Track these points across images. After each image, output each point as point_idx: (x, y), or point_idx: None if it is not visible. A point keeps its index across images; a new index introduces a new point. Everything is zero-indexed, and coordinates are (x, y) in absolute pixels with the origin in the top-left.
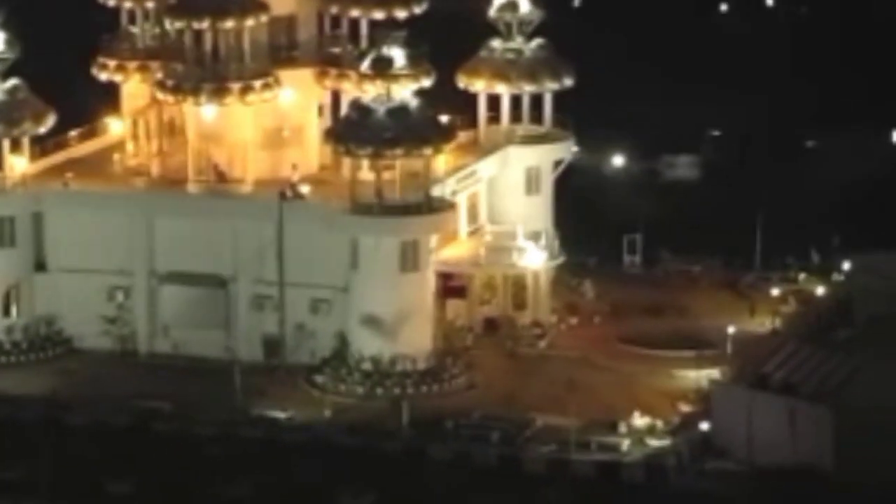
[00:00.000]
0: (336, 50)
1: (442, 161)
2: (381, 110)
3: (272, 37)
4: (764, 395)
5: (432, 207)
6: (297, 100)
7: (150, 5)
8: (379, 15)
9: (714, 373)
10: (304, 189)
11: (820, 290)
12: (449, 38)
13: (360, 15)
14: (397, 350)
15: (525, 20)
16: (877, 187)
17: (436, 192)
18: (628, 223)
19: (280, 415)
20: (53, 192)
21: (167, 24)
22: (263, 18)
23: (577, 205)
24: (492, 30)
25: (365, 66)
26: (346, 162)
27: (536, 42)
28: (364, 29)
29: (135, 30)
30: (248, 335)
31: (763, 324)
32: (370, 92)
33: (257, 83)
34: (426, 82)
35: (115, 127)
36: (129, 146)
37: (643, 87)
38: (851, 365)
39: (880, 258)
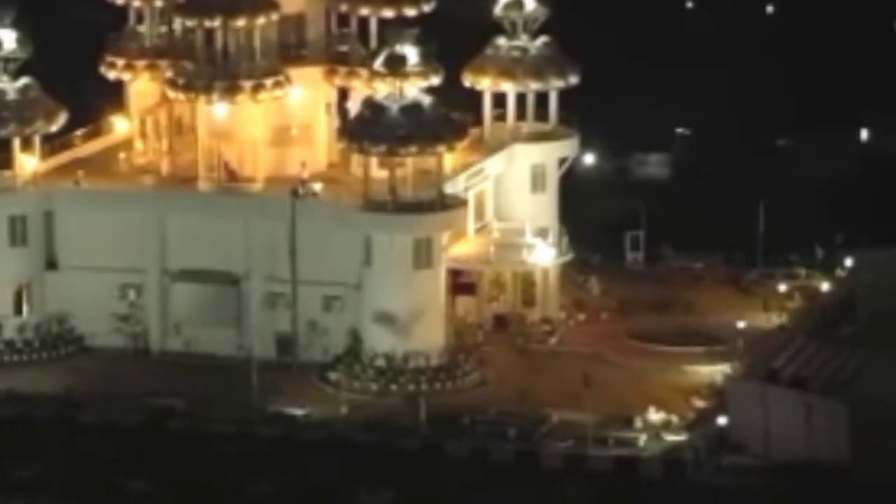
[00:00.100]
0: (344, 48)
1: (448, 159)
2: (394, 108)
3: (281, 35)
4: (779, 390)
5: (445, 204)
6: (306, 98)
7: (158, 4)
8: (388, 13)
9: (724, 368)
10: (317, 187)
11: (824, 287)
12: (453, 37)
13: (369, 13)
14: (410, 347)
15: (530, 18)
16: (851, 186)
17: (448, 189)
18: (629, 220)
19: (297, 412)
20: (64, 191)
21: (177, 23)
22: (274, 17)
23: (579, 202)
24: (496, 29)
25: (378, 63)
26: (355, 160)
27: (542, 40)
28: (373, 27)
29: (142, 28)
30: (261, 333)
31: (770, 320)
32: (380, 90)
33: (268, 81)
34: (435, 80)
35: (120, 126)
36: (139, 145)
37: (617, 84)
38: (858, 360)
39: (882, 255)
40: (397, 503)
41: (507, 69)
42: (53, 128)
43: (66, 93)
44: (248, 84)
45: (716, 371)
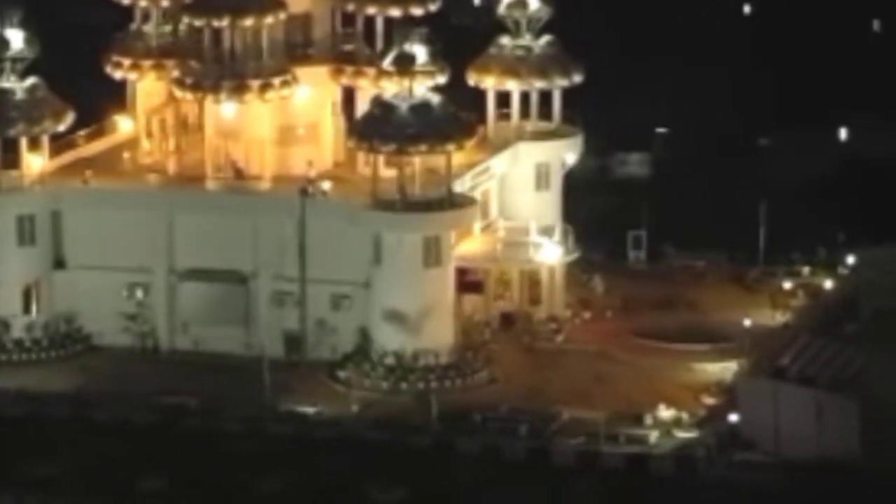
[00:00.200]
0: (349, 47)
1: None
2: (403, 107)
3: (288, 34)
4: (790, 387)
5: (454, 203)
6: (312, 97)
7: (164, 4)
8: (395, 12)
9: (732, 366)
10: (326, 185)
11: (827, 285)
12: (454, 37)
13: (376, 12)
14: (420, 345)
15: (534, 17)
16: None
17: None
18: (630, 219)
19: (309, 410)
20: (72, 190)
21: (185, 22)
22: (282, 16)
23: (580, 200)
24: (498, 31)
25: (387, 62)
26: (361, 158)
27: (545, 39)
28: (379, 26)
29: (146, 28)
30: (269, 331)
31: (774, 317)
32: (387, 89)
33: (276, 80)
34: (441, 79)
35: (124, 125)
36: (146, 144)
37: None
38: (863, 358)
39: (884, 253)
40: (410, 500)
41: (512, 68)
42: (61, 127)
43: (68, 92)
44: (255, 83)
45: (723, 368)
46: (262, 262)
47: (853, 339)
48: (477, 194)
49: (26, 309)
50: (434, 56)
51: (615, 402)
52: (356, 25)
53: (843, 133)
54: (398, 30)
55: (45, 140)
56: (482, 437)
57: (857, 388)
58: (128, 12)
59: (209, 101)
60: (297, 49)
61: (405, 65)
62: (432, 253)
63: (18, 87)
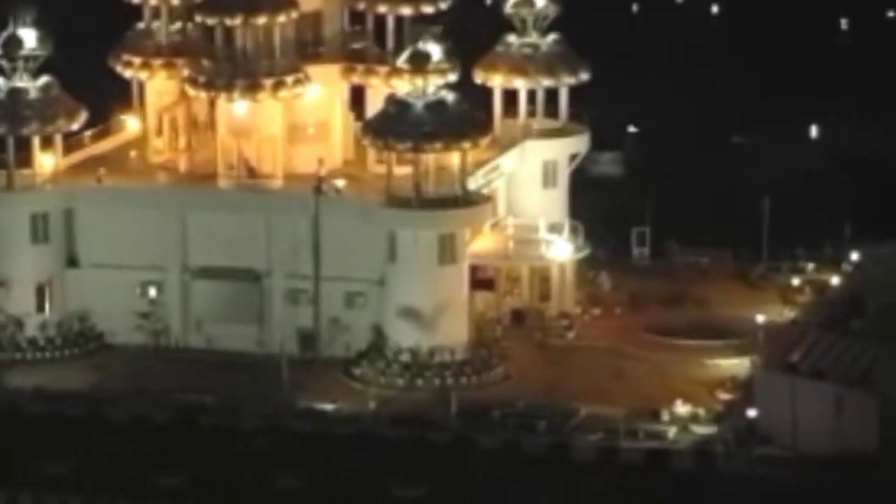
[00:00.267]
0: (359, 45)
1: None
2: (418, 105)
3: (298, 33)
4: (809, 382)
5: (469, 200)
6: (322, 95)
7: (175, 2)
8: (406, 11)
9: (744, 362)
10: (340, 183)
11: (834, 281)
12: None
13: (386, 11)
14: (435, 342)
15: (540, 16)
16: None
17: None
18: (634, 215)
19: (328, 407)
20: (85, 189)
21: (197, 21)
22: (294, 14)
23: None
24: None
25: (402, 60)
26: (371, 156)
27: (552, 37)
28: (390, 24)
29: (155, 26)
30: (283, 329)
31: (782, 313)
32: (398, 87)
33: (289, 79)
34: (452, 77)
35: (131, 124)
36: (158, 142)
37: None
38: (873, 354)
39: (889, 250)
40: (430, 497)
41: (519, 66)
42: (74, 126)
43: (70, 92)
44: (268, 82)
45: (736, 364)
46: (275, 260)
47: (860, 336)
48: (487, 192)
49: (40, 307)
50: (448, 54)
51: (631, 398)
52: (366, 24)
53: (814, 131)
54: (413, 28)
55: (58, 139)
56: (501, 433)
57: (869, 383)
58: (135, 11)
59: (222, 100)
60: (307, 47)
61: (420, 63)
62: (447, 250)
63: (32, 86)
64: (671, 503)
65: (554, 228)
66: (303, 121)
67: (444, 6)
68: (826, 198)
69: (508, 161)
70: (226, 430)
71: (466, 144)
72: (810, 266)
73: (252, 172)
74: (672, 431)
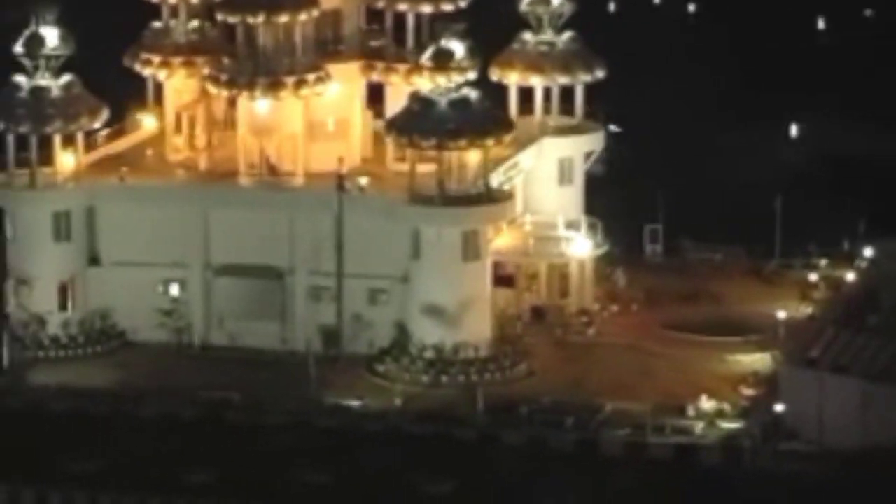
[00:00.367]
0: (378, 43)
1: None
2: (442, 102)
3: (318, 31)
4: (835, 377)
5: (492, 197)
6: (341, 93)
7: (194, 1)
8: (426, 8)
9: (765, 357)
10: (364, 181)
11: (849, 277)
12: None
13: (407, 9)
14: (459, 338)
15: (556, 13)
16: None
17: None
18: (647, 212)
19: (354, 403)
20: (107, 187)
21: (218, 19)
22: (315, 13)
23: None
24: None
25: (426, 58)
26: (390, 154)
27: (568, 35)
28: (410, 22)
29: (172, 24)
30: (306, 326)
31: (798, 309)
32: (418, 84)
33: (310, 77)
34: (472, 75)
35: (147, 122)
36: (177, 141)
37: None
38: (892, 349)
39: None
40: (458, 493)
41: (535, 63)
42: (96, 124)
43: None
44: (290, 80)
45: (756, 360)
46: (298, 258)
47: (877, 332)
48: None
49: (62, 306)
50: (471, 52)
51: (655, 393)
52: (384, 22)
53: (794, 130)
54: (437, 25)
55: (79, 137)
56: (528, 429)
57: (892, 379)
58: (146, 10)
59: (243, 98)
60: (327, 45)
61: (444, 60)
62: (471, 247)
63: (54, 84)
64: (700, 498)
65: (571, 225)
66: (322, 119)
67: (462, 4)
68: (820, 196)
69: (526, 158)
70: (252, 427)
71: (490, 141)
72: (823, 262)
73: (273, 170)
74: (699, 427)
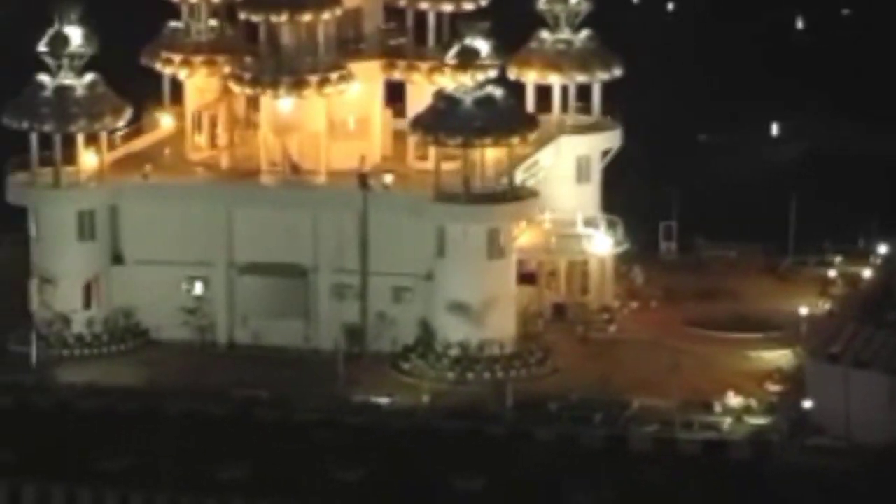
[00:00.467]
0: (398, 42)
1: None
2: (468, 100)
3: (339, 29)
4: (863, 373)
5: (517, 195)
6: (362, 92)
7: (215, 0)
8: (447, 7)
9: (787, 354)
10: (388, 178)
11: (866, 273)
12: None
13: (428, 7)
14: (484, 336)
15: (573, 12)
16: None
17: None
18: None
19: (382, 401)
20: (130, 185)
21: (240, 17)
22: (338, 12)
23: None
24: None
25: (451, 56)
26: (411, 152)
27: (585, 33)
28: (431, 21)
29: (197, 25)
30: (330, 324)
31: (817, 305)
32: (440, 83)
33: (333, 75)
34: (493, 73)
35: (165, 121)
36: (198, 139)
37: None
38: None
39: None
40: (490, 489)
41: (553, 62)
42: (120, 123)
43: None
44: (313, 78)
45: (779, 356)
46: (322, 256)
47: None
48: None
49: (87, 304)
50: (495, 50)
51: (681, 390)
52: (405, 20)
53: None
54: (461, 24)
55: (103, 136)
56: (558, 425)
57: None
58: (158, 9)
59: (267, 97)
60: (348, 44)
61: (470, 59)
62: (496, 244)
63: (78, 83)
64: (731, 493)
65: (589, 223)
66: (342, 118)
67: (483, 2)
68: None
69: (546, 156)
70: (281, 425)
71: (515, 139)
72: (837, 259)
73: (295, 169)
74: (727, 422)
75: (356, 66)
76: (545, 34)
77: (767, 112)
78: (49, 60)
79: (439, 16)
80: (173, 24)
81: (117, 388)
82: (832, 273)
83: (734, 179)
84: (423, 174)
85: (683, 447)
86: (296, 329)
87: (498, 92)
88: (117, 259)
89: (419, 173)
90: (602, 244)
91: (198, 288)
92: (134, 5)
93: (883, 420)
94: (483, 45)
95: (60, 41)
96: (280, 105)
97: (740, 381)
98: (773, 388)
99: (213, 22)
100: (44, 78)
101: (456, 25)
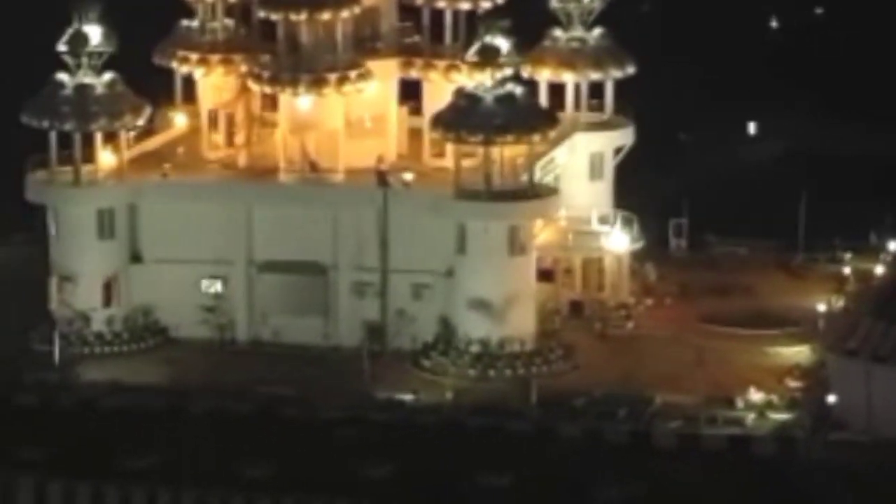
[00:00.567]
0: (413, 40)
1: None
2: (488, 98)
3: (356, 27)
4: (886, 368)
5: (538, 192)
6: (378, 90)
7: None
8: (465, 5)
9: (805, 349)
10: (409, 176)
11: (878, 269)
12: None
13: (445, 6)
14: (505, 332)
15: (586, 10)
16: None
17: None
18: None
19: (407, 397)
20: (149, 184)
21: (258, 16)
22: (356, 10)
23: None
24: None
25: (471, 54)
26: (427, 150)
27: (598, 31)
28: (448, 19)
29: (194, 23)
30: (349, 322)
31: (832, 301)
32: (458, 81)
33: (353, 73)
34: (509, 71)
35: (179, 120)
36: (214, 138)
37: None
38: None
39: None
40: (517, 484)
41: (567, 60)
42: (139, 122)
43: None
44: (333, 76)
45: (797, 352)
46: (341, 253)
47: None
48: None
49: (107, 302)
50: (516, 48)
51: (702, 386)
52: (420, 18)
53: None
54: (481, 22)
55: (123, 135)
56: (582, 421)
57: None
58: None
59: (286, 95)
60: (365, 42)
61: (490, 56)
62: (517, 242)
63: (98, 82)
64: (755, 489)
65: (603, 220)
66: (359, 116)
67: (500, 0)
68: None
69: (561, 154)
70: (307, 422)
71: (536, 137)
72: (847, 255)
73: (314, 167)
74: (750, 418)
75: (373, 64)
76: (558, 32)
77: (743, 111)
78: (68, 59)
79: (456, 14)
80: (185, 22)
81: (142, 385)
82: (846, 270)
83: (723, 177)
84: (441, 172)
85: (708, 443)
86: (315, 327)
87: (518, 89)
88: (136, 257)
89: (436, 171)
90: (619, 241)
91: (217, 286)
92: (137, 5)
93: None
94: (503, 43)
95: (80, 40)
96: (299, 103)
97: (760, 377)
98: (794, 383)
99: (228, 21)
100: (63, 76)
101: (475, 23)
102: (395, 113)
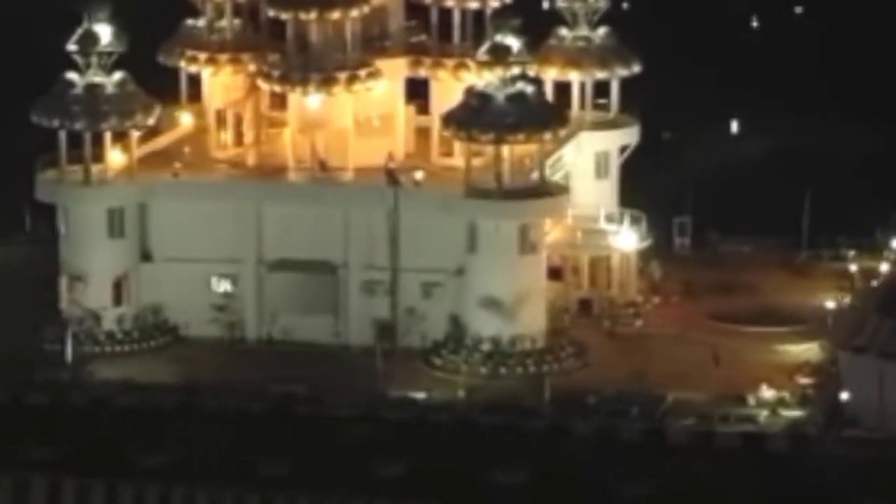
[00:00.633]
0: (420, 39)
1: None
2: (500, 97)
3: (366, 26)
4: (894, 365)
5: (548, 191)
6: (386, 89)
7: None
8: (474, 4)
9: (813, 347)
10: (419, 175)
11: (884, 267)
12: None
13: (453, 5)
14: (516, 330)
15: (591, 9)
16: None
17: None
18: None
19: (419, 395)
20: (160, 183)
21: (268, 15)
22: (366, 9)
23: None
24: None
25: (482, 52)
26: (435, 149)
27: (603, 30)
28: (456, 18)
29: (200, 22)
30: (359, 320)
31: (838, 299)
32: (467, 80)
33: (362, 72)
34: (517, 70)
35: (185, 119)
36: (223, 137)
37: None
38: None
39: None
40: (531, 482)
41: (573, 59)
42: (150, 121)
43: None
44: (342, 75)
45: (806, 349)
46: (352, 252)
47: None
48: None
49: (117, 301)
50: (526, 47)
51: (713, 383)
52: (429, 17)
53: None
54: (492, 21)
55: (133, 134)
56: (595, 419)
57: None
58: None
59: (295, 94)
60: (373, 41)
61: (501, 55)
62: (528, 240)
63: (108, 81)
64: (769, 485)
65: (610, 218)
66: (367, 114)
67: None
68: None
69: (569, 152)
70: (321, 420)
71: (547, 135)
72: (851, 253)
73: (323, 165)
74: (763, 415)
75: (381, 63)
76: (564, 31)
77: (726, 109)
78: (78, 58)
79: (464, 13)
80: (191, 21)
81: (154, 384)
82: (851, 267)
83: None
84: (450, 170)
85: (721, 440)
86: (325, 325)
87: (529, 88)
88: (146, 256)
89: (444, 169)
90: (627, 239)
91: (226, 285)
92: (140, 4)
93: None
94: (514, 42)
95: (90, 39)
96: (308, 102)
97: (770, 375)
98: (804, 380)
99: (236, 21)
100: (72, 76)
101: (484, 22)
102: (402, 112)
